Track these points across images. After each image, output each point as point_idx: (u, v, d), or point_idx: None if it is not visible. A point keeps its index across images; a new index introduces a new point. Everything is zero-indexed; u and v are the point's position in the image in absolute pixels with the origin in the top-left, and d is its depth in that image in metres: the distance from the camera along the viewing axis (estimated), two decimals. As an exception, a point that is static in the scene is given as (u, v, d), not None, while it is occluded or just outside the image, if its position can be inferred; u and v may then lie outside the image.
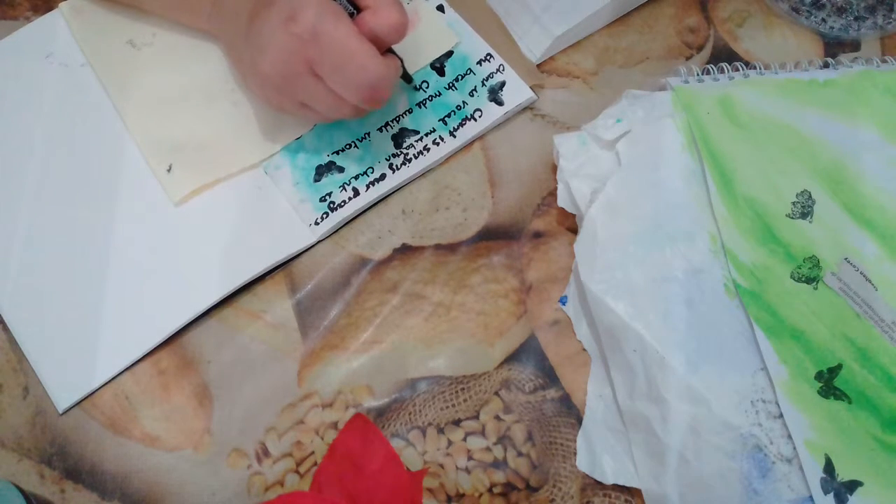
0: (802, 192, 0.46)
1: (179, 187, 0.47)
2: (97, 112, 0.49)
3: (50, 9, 0.52)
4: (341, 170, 0.49)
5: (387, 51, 0.45)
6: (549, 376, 0.45)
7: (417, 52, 0.52)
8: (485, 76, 0.51)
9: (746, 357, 0.42)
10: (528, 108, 0.51)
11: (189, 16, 0.49)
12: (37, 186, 0.48)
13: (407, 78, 0.50)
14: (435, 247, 0.48)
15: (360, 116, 0.47)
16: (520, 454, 0.43)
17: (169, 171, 0.48)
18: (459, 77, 0.51)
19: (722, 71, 0.50)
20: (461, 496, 0.42)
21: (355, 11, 0.43)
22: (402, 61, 0.47)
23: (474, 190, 0.49)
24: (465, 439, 0.43)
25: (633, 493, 0.42)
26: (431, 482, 0.42)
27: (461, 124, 0.50)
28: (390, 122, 0.50)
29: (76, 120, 0.49)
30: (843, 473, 0.40)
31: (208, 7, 0.47)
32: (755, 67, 0.50)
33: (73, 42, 0.51)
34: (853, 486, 0.40)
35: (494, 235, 0.48)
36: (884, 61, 0.50)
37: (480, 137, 0.51)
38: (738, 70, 0.50)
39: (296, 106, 0.45)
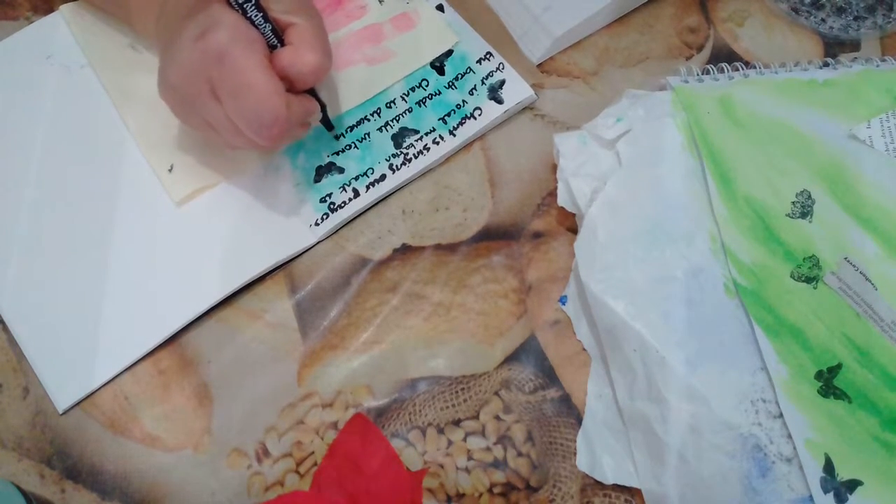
0: (802, 191, 0.46)
1: (180, 188, 0.47)
2: (98, 113, 0.50)
3: (50, 10, 0.52)
4: (341, 170, 0.49)
5: (310, 92, 0.44)
6: (549, 376, 0.45)
7: (417, 52, 0.52)
8: (484, 75, 0.51)
9: (746, 357, 0.42)
10: (528, 107, 0.51)
11: (141, 25, 0.48)
12: (37, 187, 0.48)
13: (328, 125, 0.48)
14: (435, 247, 0.48)
15: (262, 150, 0.45)
16: (520, 454, 0.43)
17: (170, 171, 0.48)
18: (459, 76, 0.51)
19: (722, 71, 0.50)
20: (461, 496, 0.42)
21: (279, 45, 0.42)
22: (324, 107, 0.46)
23: (474, 190, 0.49)
24: (465, 439, 0.43)
25: (633, 493, 0.42)
26: (431, 482, 0.42)
27: (461, 123, 0.50)
28: (390, 122, 0.50)
29: (77, 121, 0.49)
30: (843, 473, 0.40)
31: (154, 18, 0.46)
32: (755, 67, 0.50)
33: (74, 44, 0.51)
34: (853, 485, 0.40)
35: (494, 235, 0.48)
36: (883, 61, 0.50)
37: (480, 137, 0.51)
38: (738, 70, 0.50)
39: (200, 123, 0.43)
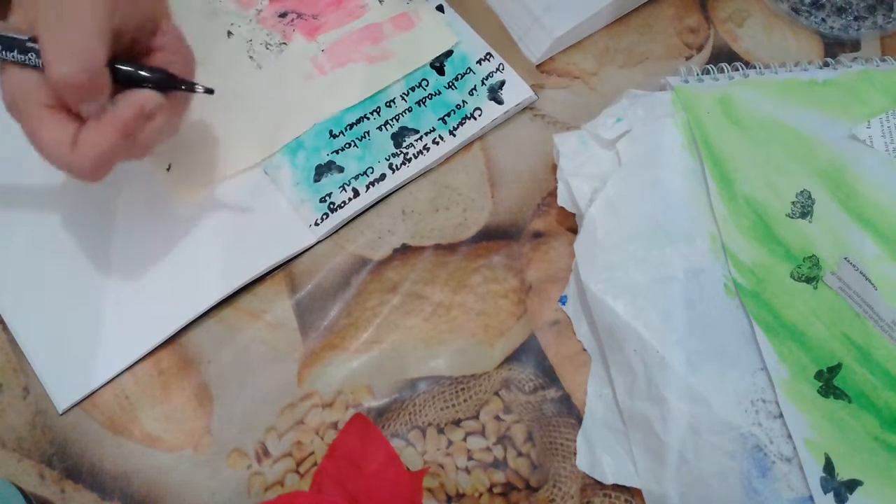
0: (802, 191, 0.46)
1: (179, 187, 0.47)
2: (97, 112, 0.49)
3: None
4: (341, 170, 0.49)
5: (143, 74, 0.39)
6: (549, 376, 0.45)
7: (417, 51, 0.52)
8: (484, 75, 0.51)
9: (746, 357, 0.42)
10: (528, 108, 0.51)
11: None
12: (37, 186, 0.48)
13: (188, 86, 0.41)
14: (435, 247, 0.48)
15: (93, 181, 0.40)
16: (520, 454, 0.43)
17: (168, 170, 0.48)
18: (459, 76, 0.51)
19: (722, 71, 0.50)
20: (461, 496, 0.42)
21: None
22: (162, 78, 0.40)
23: (474, 190, 0.49)
24: (465, 439, 0.43)
25: (633, 492, 0.42)
26: (431, 482, 0.42)
27: (461, 123, 0.50)
28: (390, 121, 0.50)
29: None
30: (843, 473, 0.40)
31: None
32: (755, 67, 0.50)
33: None
34: (853, 485, 0.40)
35: (494, 235, 0.48)
36: (883, 61, 0.50)
37: (480, 137, 0.51)
38: (737, 70, 0.50)
39: None
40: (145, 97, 0.39)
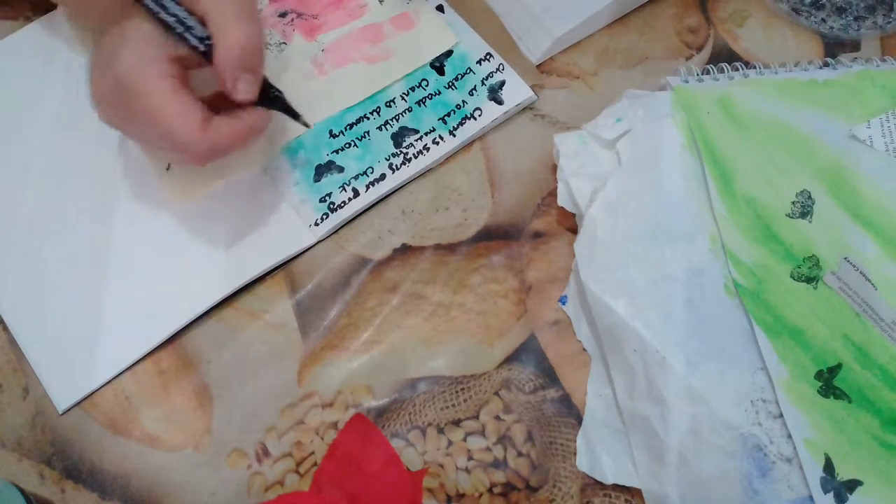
0: (802, 191, 0.46)
1: (179, 187, 0.47)
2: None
3: (50, 9, 0.52)
4: (341, 169, 0.49)
5: (267, 89, 0.42)
6: (549, 376, 0.45)
7: (417, 51, 0.52)
8: (484, 75, 0.51)
9: (746, 357, 0.42)
10: (528, 107, 0.51)
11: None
12: (37, 187, 0.48)
13: (292, 114, 0.45)
14: (435, 247, 0.48)
15: (199, 164, 0.43)
16: (520, 454, 0.43)
17: (168, 170, 0.48)
18: (459, 76, 0.51)
19: (722, 71, 0.50)
20: (461, 496, 0.42)
21: (205, 39, 0.39)
22: (279, 98, 0.43)
23: (474, 190, 0.49)
24: (465, 439, 0.43)
25: (633, 493, 0.42)
26: (431, 482, 0.42)
27: (461, 123, 0.50)
28: (390, 121, 0.50)
29: (77, 121, 0.49)
30: (843, 473, 0.40)
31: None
32: (755, 67, 0.50)
33: (75, 44, 0.51)
34: (853, 485, 0.40)
35: (494, 235, 0.48)
36: (883, 61, 0.50)
37: (480, 137, 0.51)
38: (737, 70, 0.50)
39: (132, 139, 0.43)
40: (269, 116, 0.43)
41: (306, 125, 0.46)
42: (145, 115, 0.38)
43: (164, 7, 0.38)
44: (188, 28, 0.39)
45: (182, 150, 0.39)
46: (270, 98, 0.44)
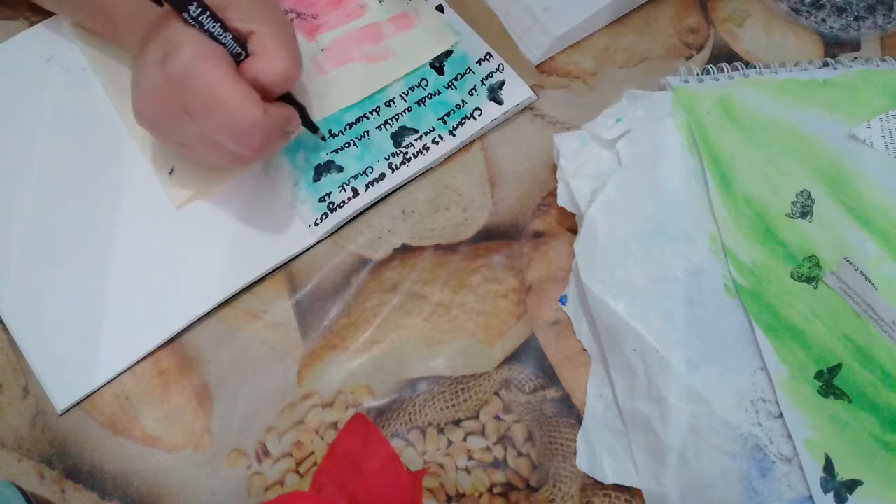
0: (802, 191, 0.46)
1: (181, 191, 0.47)
2: (98, 115, 0.49)
3: (50, 11, 0.52)
4: (340, 169, 0.49)
5: (285, 98, 0.43)
6: (549, 376, 0.45)
7: (416, 51, 0.52)
8: (484, 75, 0.51)
9: (746, 357, 0.42)
10: (528, 108, 0.51)
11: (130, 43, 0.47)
12: (38, 189, 0.48)
13: (312, 127, 0.47)
14: (435, 247, 0.48)
15: (243, 163, 0.45)
16: (520, 454, 0.43)
17: (171, 173, 0.48)
18: (459, 76, 0.51)
19: (722, 71, 0.50)
20: (461, 496, 0.42)
21: (244, 54, 0.41)
22: (303, 110, 0.45)
23: (474, 190, 0.49)
24: (465, 439, 0.43)
25: (633, 492, 0.42)
26: (431, 482, 0.42)
27: (460, 123, 0.50)
28: (389, 120, 0.50)
29: (77, 123, 0.49)
30: (843, 473, 0.40)
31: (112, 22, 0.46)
32: (755, 67, 0.50)
33: (75, 46, 0.51)
34: (853, 485, 0.40)
35: (494, 235, 0.48)
36: (883, 61, 0.50)
37: (480, 137, 0.51)
38: (738, 70, 0.50)
39: (177, 145, 0.43)
40: (293, 113, 0.44)
41: (323, 139, 0.48)
42: (210, 103, 0.39)
43: (200, 24, 0.40)
44: (222, 44, 0.40)
45: (245, 134, 0.40)
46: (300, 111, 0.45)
